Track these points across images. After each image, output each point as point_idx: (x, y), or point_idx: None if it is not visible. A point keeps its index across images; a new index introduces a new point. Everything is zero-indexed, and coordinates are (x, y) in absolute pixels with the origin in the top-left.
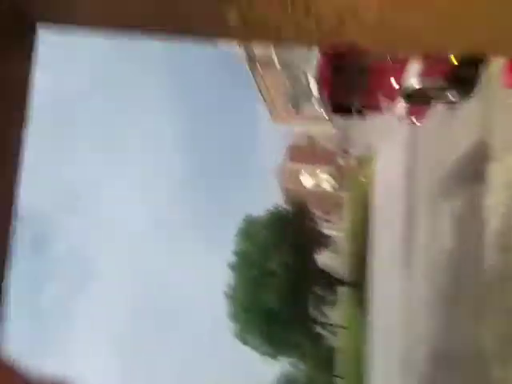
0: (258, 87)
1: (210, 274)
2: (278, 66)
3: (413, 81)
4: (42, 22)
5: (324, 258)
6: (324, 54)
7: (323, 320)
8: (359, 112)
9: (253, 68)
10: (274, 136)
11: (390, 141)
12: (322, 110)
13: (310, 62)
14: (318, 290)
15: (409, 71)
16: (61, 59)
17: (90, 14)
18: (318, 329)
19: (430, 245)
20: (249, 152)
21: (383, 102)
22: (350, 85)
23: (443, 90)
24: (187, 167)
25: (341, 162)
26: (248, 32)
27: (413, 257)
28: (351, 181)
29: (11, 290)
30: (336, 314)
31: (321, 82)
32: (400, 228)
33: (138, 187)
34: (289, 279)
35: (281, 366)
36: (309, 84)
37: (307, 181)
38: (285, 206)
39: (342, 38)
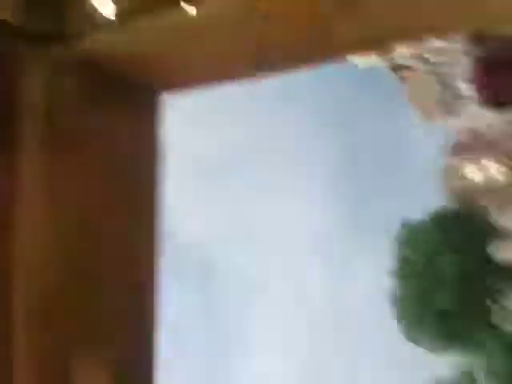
0: (406, 92)
1: (370, 284)
2: (423, 74)
3: None
4: (164, 88)
5: (504, 253)
6: (477, 58)
7: (505, 313)
8: None
9: (397, 73)
10: (429, 136)
11: None
12: (479, 108)
13: (458, 67)
14: (499, 287)
15: None
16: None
17: (206, 73)
18: (499, 322)
19: None
20: (404, 157)
21: None
22: (507, 81)
23: None
24: (341, 179)
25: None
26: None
27: None
28: None
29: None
30: None
31: (477, 83)
32: None
33: (292, 210)
34: (463, 283)
35: (456, 361)
36: (461, 87)
37: (475, 175)
38: (450, 206)
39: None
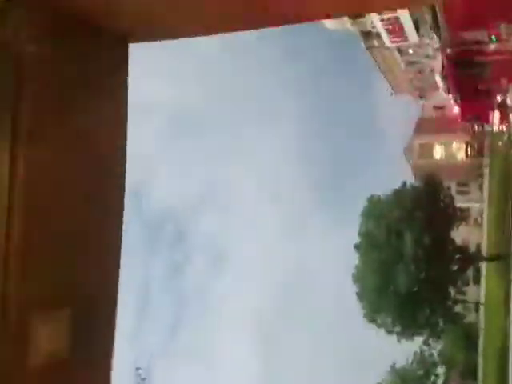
0: (376, 62)
1: (338, 256)
2: (403, 65)
3: None
4: (133, 38)
5: (461, 233)
6: (447, 56)
7: (461, 297)
8: (486, 94)
9: (370, 45)
10: (399, 112)
11: None
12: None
13: (433, 60)
14: (456, 267)
15: None
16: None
17: (178, 26)
18: (455, 307)
19: None
20: (372, 130)
21: (506, 83)
22: (474, 76)
23: None
24: (311, 151)
25: (477, 128)
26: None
27: None
28: (491, 147)
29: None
30: (477, 290)
31: (448, 78)
32: None
33: (264, 178)
34: (422, 259)
35: (413, 345)
36: (435, 78)
37: (439, 153)
38: (415, 183)
39: None
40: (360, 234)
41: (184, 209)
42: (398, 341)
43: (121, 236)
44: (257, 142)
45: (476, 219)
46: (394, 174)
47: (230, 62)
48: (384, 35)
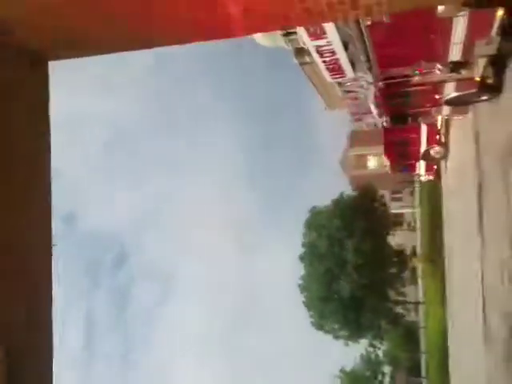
0: (309, 78)
1: (284, 268)
2: (340, 93)
3: (452, 93)
4: (53, 58)
5: (397, 238)
6: (379, 88)
7: (401, 298)
8: (414, 119)
9: (301, 61)
10: (332, 125)
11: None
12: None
13: (367, 90)
14: (394, 270)
15: (447, 88)
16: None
17: (93, 44)
18: (396, 308)
19: (502, 215)
20: (309, 144)
21: (430, 109)
22: (403, 104)
23: (477, 94)
24: (251, 165)
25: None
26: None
27: (486, 228)
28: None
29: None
30: (414, 291)
31: (380, 106)
32: (473, 200)
33: (208, 194)
34: (363, 265)
35: (360, 348)
36: (369, 105)
37: (372, 163)
38: (351, 192)
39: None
40: (303, 244)
41: (125, 232)
42: (346, 344)
43: (50, 270)
44: (197, 156)
45: (409, 223)
46: (333, 185)
47: (164, 75)
48: (325, 72)
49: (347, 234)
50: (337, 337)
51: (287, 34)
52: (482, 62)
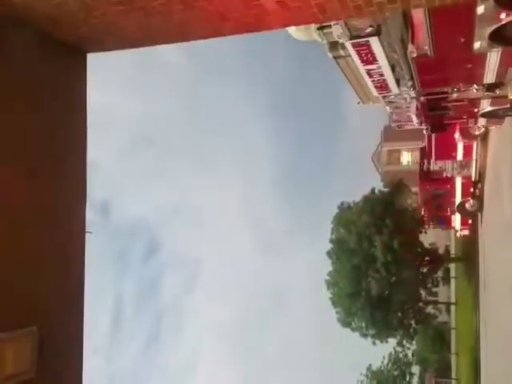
0: (343, 72)
1: (310, 264)
2: (384, 104)
3: (487, 107)
4: (91, 50)
5: (430, 236)
6: (421, 102)
7: (432, 298)
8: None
9: (336, 54)
10: (365, 120)
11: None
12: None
13: (409, 103)
14: (425, 269)
15: (482, 103)
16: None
17: (127, 38)
18: (427, 308)
19: None
20: (341, 139)
21: (467, 120)
22: (441, 115)
23: (510, 109)
24: (281, 162)
25: None
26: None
27: None
28: None
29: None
30: (447, 291)
31: (420, 116)
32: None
33: (235, 191)
34: (392, 262)
35: (389, 347)
36: (410, 114)
37: (406, 159)
38: (383, 189)
39: None
40: (331, 240)
41: (156, 223)
42: (373, 343)
43: (83, 255)
44: (226, 151)
45: None
46: (364, 181)
47: (196, 71)
48: (372, 89)
49: (376, 231)
50: (364, 335)
51: (321, 28)
52: None
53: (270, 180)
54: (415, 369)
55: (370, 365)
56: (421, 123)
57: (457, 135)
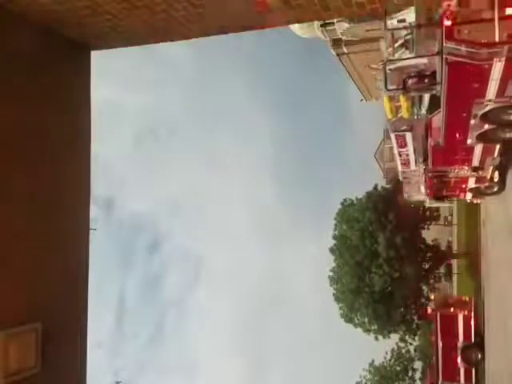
0: (346, 69)
1: (312, 260)
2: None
3: (473, 184)
4: (96, 47)
5: (433, 233)
6: (430, 177)
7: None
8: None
9: (338, 51)
10: (368, 117)
11: None
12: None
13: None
14: (428, 266)
15: (470, 181)
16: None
17: (131, 35)
18: (429, 303)
19: None
20: (344, 136)
21: (459, 193)
22: (442, 188)
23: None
24: (283, 158)
25: None
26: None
27: None
28: None
29: (134, 287)
30: (449, 287)
31: (428, 188)
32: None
33: (240, 187)
34: (395, 258)
35: (391, 342)
36: (420, 186)
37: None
38: (386, 185)
39: None
40: (334, 237)
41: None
42: (376, 339)
43: (88, 251)
44: (230, 146)
45: (446, 218)
46: (367, 178)
47: (200, 67)
48: (399, 165)
49: (379, 227)
50: (366, 330)
51: (325, 25)
52: (493, 169)
53: (274, 176)
54: (418, 364)
55: (373, 360)
56: (426, 194)
57: None
